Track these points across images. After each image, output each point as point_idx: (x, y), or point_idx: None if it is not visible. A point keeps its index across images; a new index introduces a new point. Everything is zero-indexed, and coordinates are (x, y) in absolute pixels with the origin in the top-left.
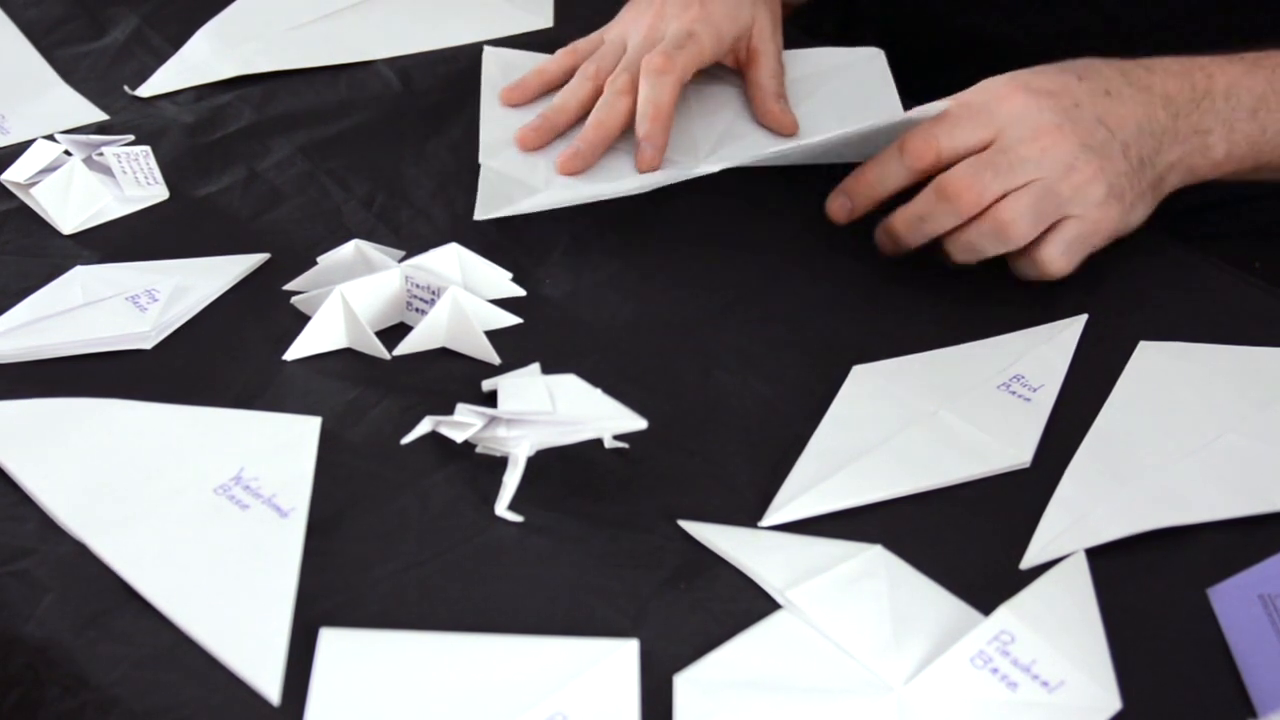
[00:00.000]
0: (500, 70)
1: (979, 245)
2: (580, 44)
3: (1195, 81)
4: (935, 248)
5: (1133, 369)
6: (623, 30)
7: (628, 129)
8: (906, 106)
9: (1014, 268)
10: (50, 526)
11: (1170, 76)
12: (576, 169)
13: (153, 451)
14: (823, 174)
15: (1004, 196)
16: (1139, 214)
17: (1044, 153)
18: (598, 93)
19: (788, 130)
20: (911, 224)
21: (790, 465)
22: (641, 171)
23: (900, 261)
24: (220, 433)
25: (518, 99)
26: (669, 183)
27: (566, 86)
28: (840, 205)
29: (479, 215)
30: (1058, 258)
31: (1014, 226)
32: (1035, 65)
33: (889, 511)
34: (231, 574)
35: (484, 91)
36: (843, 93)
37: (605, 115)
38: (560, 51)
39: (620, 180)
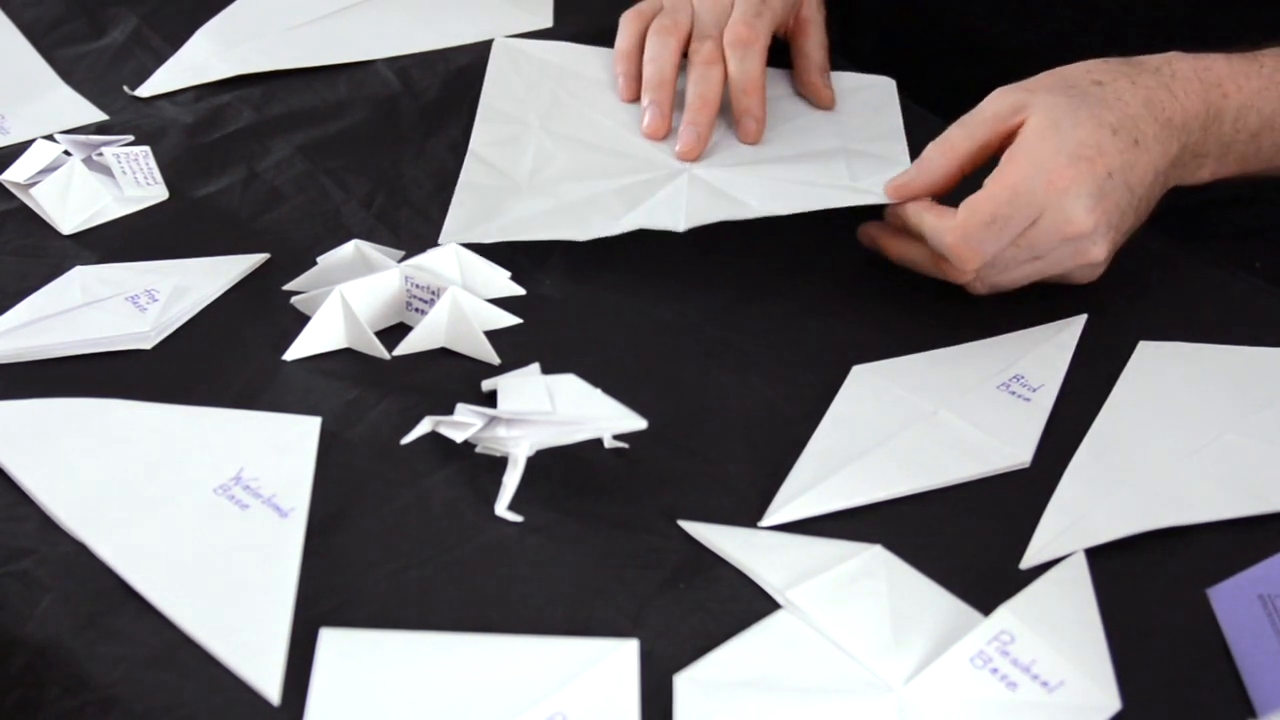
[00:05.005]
0: (510, 62)
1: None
2: (643, 7)
3: (1210, 101)
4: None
5: (1133, 369)
6: None
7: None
8: (905, 110)
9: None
10: (50, 526)
11: (1190, 99)
12: (700, 151)
13: (153, 451)
14: None
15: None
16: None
17: (1064, 242)
18: (681, 49)
19: (824, 103)
20: (903, 255)
21: (790, 465)
22: (748, 143)
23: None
24: (220, 433)
25: (635, 92)
26: (639, 227)
27: (650, 55)
28: (869, 240)
29: (444, 239)
30: (987, 289)
31: (990, 281)
32: (1032, 66)
33: (889, 511)
34: (231, 574)
35: (487, 83)
36: (845, 114)
37: (705, 90)
38: (626, 18)
39: (588, 226)
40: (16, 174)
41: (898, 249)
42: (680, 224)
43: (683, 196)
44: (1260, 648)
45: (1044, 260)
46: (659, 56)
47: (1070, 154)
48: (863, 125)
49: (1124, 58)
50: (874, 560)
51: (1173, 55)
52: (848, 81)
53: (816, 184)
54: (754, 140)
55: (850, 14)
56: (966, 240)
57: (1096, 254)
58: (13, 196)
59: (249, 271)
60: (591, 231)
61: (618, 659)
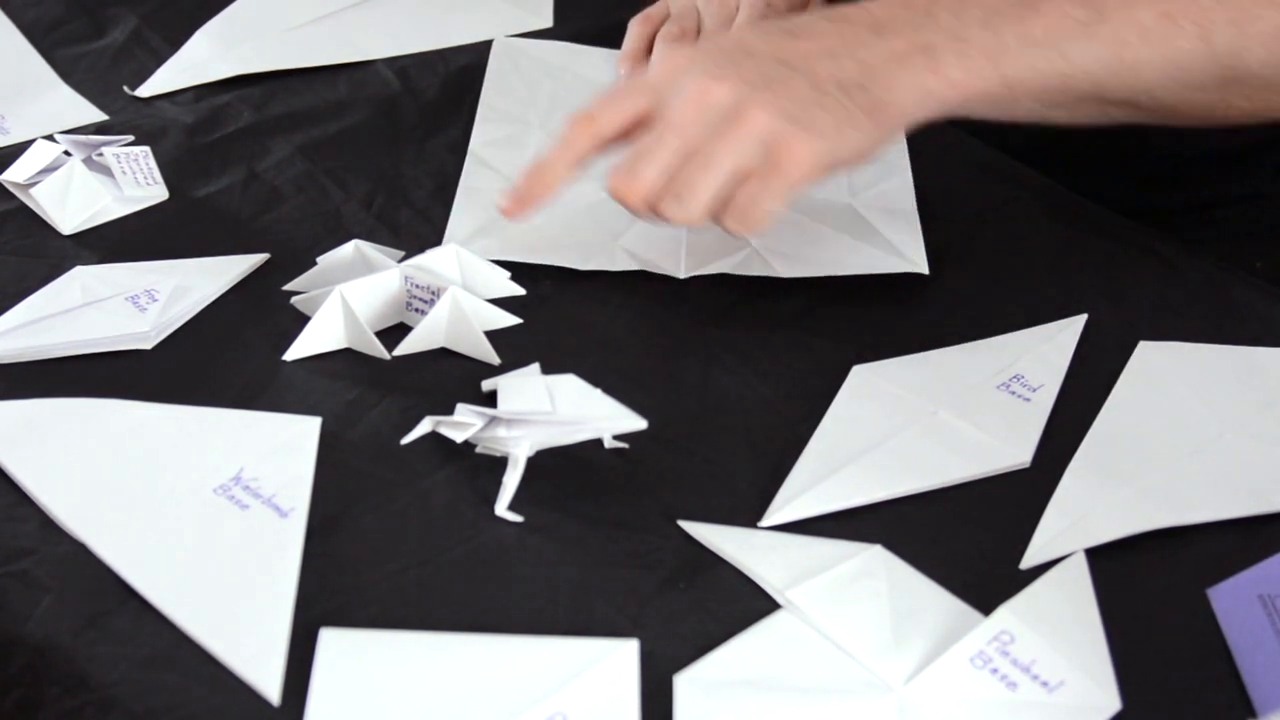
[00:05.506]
0: (510, 62)
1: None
2: (651, 11)
3: (914, 4)
4: None
5: (1133, 369)
6: None
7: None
8: None
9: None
10: (50, 526)
11: (883, 6)
12: None
13: (153, 451)
14: None
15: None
16: (854, 141)
17: (698, 109)
18: None
19: None
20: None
21: (790, 465)
22: None
23: None
24: (220, 433)
25: None
26: (639, 268)
27: (656, 59)
28: (512, 207)
29: (447, 241)
30: (741, 224)
31: (678, 214)
32: None
33: (889, 511)
34: (231, 574)
35: (487, 83)
36: None
37: None
38: (634, 22)
39: (588, 252)
40: (16, 174)
41: None
42: (680, 272)
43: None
44: (1260, 648)
45: (709, 148)
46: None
47: (694, 47)
48: None
49: None
50: (874, 560)
51: None
52: None
53: (815, 198)
54: None
55: None
56: (580, 113)
57: (762, 121)
58: (13, 196)
59: (249, 271)
60: (591, 263)
61: (618, 659)
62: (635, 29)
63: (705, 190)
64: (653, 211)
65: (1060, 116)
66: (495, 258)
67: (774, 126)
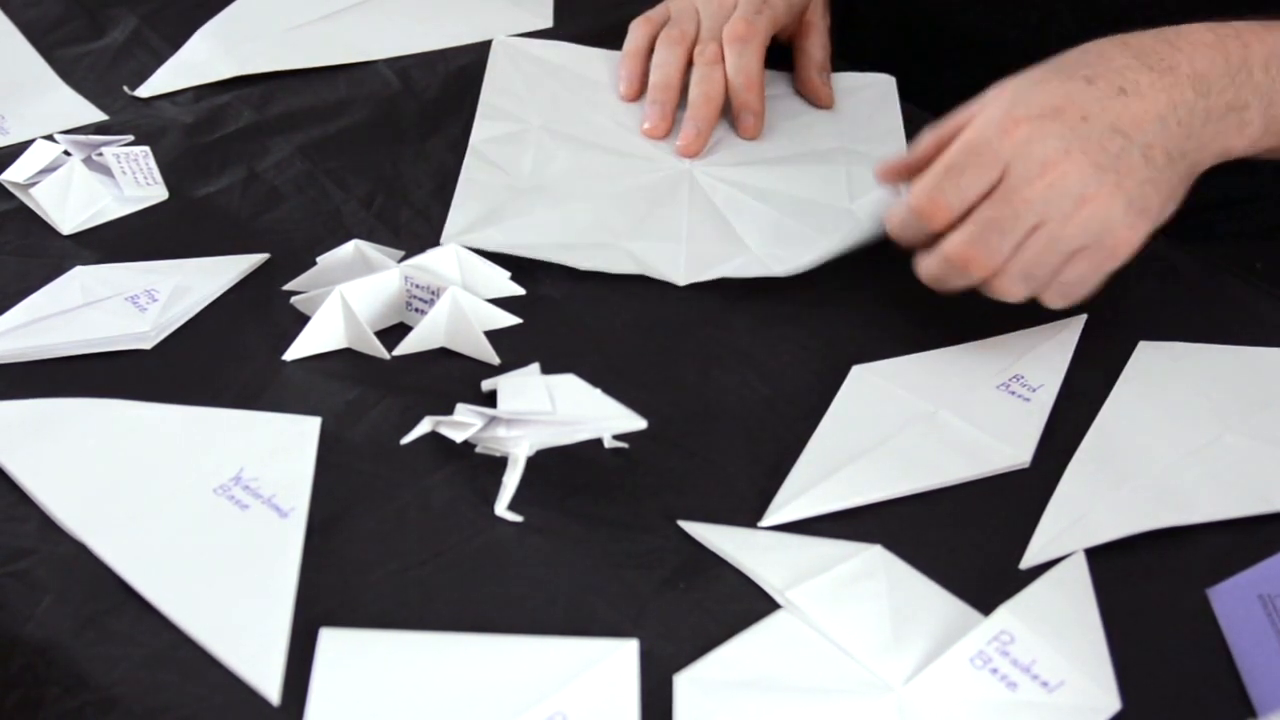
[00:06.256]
0: (510, 61)
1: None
2: (653, 13)
3: (1230, 52)
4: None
5: (1133, 369)
6: None
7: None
8: (905, 110)
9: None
10: (50, 526)
11: (1200, 50)
12: (701, 147)
13: (153, 451)
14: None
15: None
16: (1169, 210)
17: (1051, 188)
18: (687, 57)
19: (824, 102)
20: (934, 283)
21: (790, 465)
22: (746, 138)
23: (901, 261)
24: (220, 433)
25: (636, 92)
26: (639, 272)
27: (658, 62)
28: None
29: (445, 240)
30: (1063, 300)
31: (1015, 291)
32: (1036, 65)
33: (889, 511)
34: (231, 574)
35: (487, 82)
36: (845, 113)
37: (709, 88)
38: (636, 24)
39: (588, 252)
40: (16, 174)
41: (924, 269)
42: (680, 279)
43: (683, 230)
44: (1260, 648)
45: (1056, 229)
46: (666, 63)
47: (1031, 105)
48: (862, 124)
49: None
50: (874, 560)
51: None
52: (848, 81)
53: (817, 203)
54: (753, 135)
55: (850, 16)
56: (922, 192)
57: (1107, 206)
58: (13, 196)
59: (249, 271)
60: (592, 263)
61: (618, 659)
62: (637, 30)
63: (1048, 270)
64: (989, 281)
65: None
66: (496, 249)
67: (1117, 216)
